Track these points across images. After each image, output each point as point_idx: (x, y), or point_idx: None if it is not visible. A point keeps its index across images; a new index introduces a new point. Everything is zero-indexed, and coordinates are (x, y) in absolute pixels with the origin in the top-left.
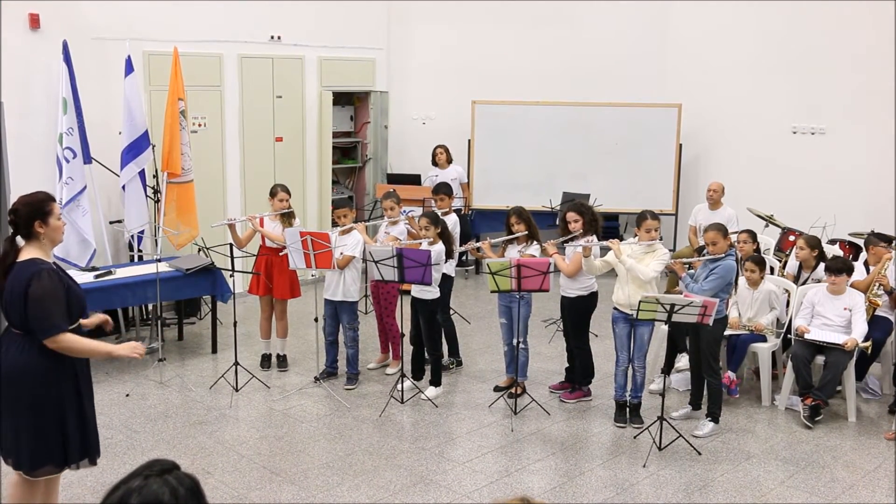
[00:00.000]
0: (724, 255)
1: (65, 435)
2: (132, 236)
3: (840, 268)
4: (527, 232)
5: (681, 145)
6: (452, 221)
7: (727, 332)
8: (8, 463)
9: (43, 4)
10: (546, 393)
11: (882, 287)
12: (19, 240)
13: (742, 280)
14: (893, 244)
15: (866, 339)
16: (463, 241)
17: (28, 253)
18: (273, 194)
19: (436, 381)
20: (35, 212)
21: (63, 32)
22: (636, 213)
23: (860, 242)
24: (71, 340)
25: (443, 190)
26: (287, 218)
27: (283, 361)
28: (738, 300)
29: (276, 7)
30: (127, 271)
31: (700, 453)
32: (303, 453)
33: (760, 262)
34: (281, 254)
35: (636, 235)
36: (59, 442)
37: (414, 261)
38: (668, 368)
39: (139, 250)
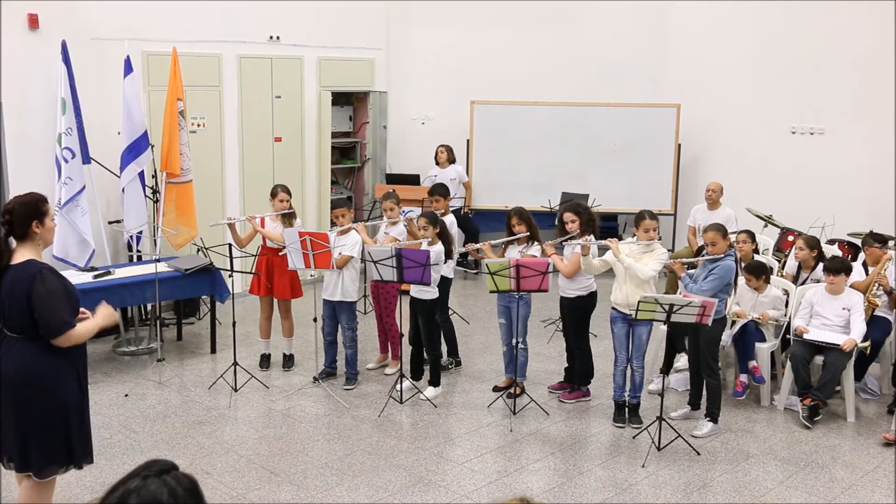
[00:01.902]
0: (723, 255)
1: (69, 435)
2: (130, 236)
3: (838, 268)
4: (528, 233)
5: (680, 145)
6: (449, 222)
7: (740, 322)
8: (9, 467)
9: (42, 4)
10: (545, 393)
11: (881, 287)
12: (10, 240)
13: (743, 281)
14: (890, 244)
15: (865, 340)
16: (469, 240)
17: (23, 254)
18: (273, 195)
19: (435, 382)
20: (33, 212)
21: (62, 32)
22: (635, 213)
23: (859, 242)
24: (77, 333)
25: (438, 191)
26: (288, 218)
27: (289, 361)
28: (740, 301)
29: (275, 7)
30: (126, 271)
31: (699, 453)
32: (302, 453)
33: (756, 270)
34: (281, 254)
35: (634, 235)
36: (64, 442)
37: (413, 261)
38: (666, 368)
39: (137, 251)
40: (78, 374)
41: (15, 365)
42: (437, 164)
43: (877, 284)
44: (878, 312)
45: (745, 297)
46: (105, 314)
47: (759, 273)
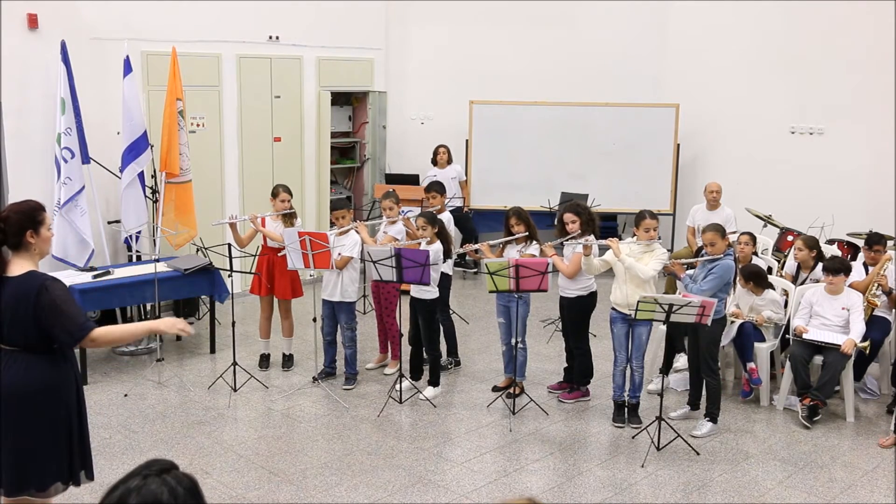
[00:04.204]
0: (722, 255)
1: (71, 450)
2: (129, 236)
3: (838, 268)
4: (527, 233)
5: (679, 145)
6: (445, 220)
7: (738, 322)
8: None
9: (41, 4)
10: (544, 393)
11: (881, 287)
12: (5, 250)
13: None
14: (890, 244)
15: (865, 340)
16: (467, 240)
17: (21, 266)
18: (275, 195)
19: (434, 381)
20: (27, 221)
21: (61, 32)
22: (634, 213)
23: (859, 242)
24: (106, 332)
25: (434, 188)
26: (289, 218)
27: (288, 361)
28: (739, 302)
29: (274, 7)
30: (125, 271)
31: (698, 453)
32: (301, 453)
33: (751, 277)
34: (281, 254)
35: (634, 235)
36: (66, 457)
37: (412, 261)
38: (666, 368)
39: (136, 251)
40: (78, 387)
41: (18, 380)
42: (436, 164)
43: (876, 284)
44: (877, 312)
45: (743, 299)
46: (168, 323)
47: (755, 279)
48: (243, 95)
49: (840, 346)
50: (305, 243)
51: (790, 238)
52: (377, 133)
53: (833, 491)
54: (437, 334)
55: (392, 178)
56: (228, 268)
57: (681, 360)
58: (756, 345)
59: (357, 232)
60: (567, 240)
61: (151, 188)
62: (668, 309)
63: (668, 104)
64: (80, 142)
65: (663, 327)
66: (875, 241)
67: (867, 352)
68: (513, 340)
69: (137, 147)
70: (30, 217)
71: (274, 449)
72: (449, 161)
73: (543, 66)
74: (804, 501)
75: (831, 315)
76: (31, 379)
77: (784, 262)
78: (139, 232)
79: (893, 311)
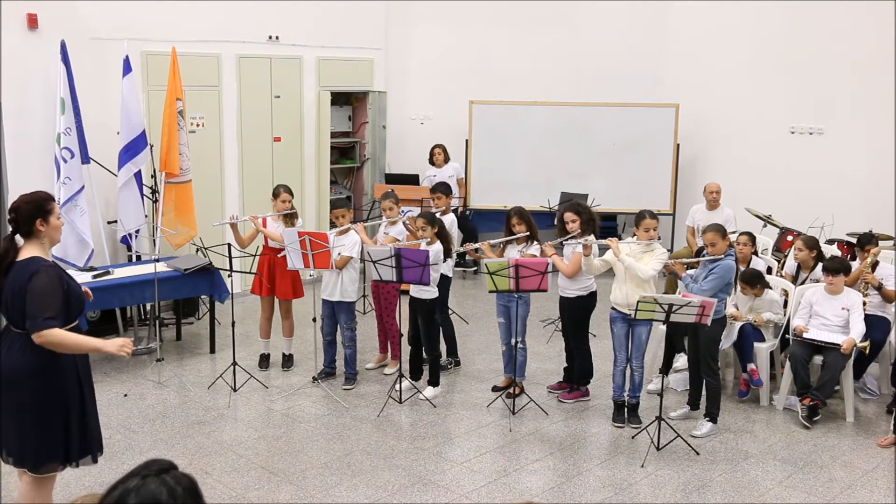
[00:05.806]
0: (723, 255)
1: (67, 432)
2: (127, 235)
3: (838, 268)
4: (528, 233)
5: (678, 145)
6: (449, 221)
7: (738, 324)
8: (8, 462)
9: (41, 4)
10: (544, 393)
11: (869, 285)
12: (18, 239)
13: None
14: (889, 244)
15: (864, 339)
16: (467, 239)
17: (28, 252)
18: (276, 195)
19: (434, 381)
20: (37, 210)
21: (61, 32)
22: (634, 213)
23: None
24: (58, 335)
25: (440, 189)
26: (290, 218)
27: (288, 361)
28: (738, 302)
29: (274, 7)
30: (125, 271)
31: (698, 453)
32: (301, 453)
33: (751, 280)
34: (281, 254)
35: (634, 235)
36: (61, 439)
37: (412, 261)
38: (666, 368)
39: (136, 251)
40: (77, 370)
41: (16, 359)
42: (433, 164)
43: (864, 283)
44: (877, 312)
45: (741, 300)
46: (116, 343)
47: (753, 283)
48: (243, 95)
49: (840, 345)
50: (305, 243)
51: (790, 238)
52: (377, 133)
53: (833, 491)
54: (437, 334)
55: (392, 178)
56: (228, 268)
57: (681, 360)
58: (756, 345)
59: (356, 232)
60: (567, 239)
61: (151, 188)
62: (668, 309)
63: (667, 104)
64: (79, 142)
65: (663, 327)
66: (866, 242)
67: (867, 352)
68: (512, 340)
69: (135, 147)
70: (39, 206)
71: (274, 449)
72: (446, 160)
73: (543, 66)
74: (804, 501)
75: (831, 315)
76: (25, 361)
77: (784, 262)
78: (137, 231)
79: (893, 304)
